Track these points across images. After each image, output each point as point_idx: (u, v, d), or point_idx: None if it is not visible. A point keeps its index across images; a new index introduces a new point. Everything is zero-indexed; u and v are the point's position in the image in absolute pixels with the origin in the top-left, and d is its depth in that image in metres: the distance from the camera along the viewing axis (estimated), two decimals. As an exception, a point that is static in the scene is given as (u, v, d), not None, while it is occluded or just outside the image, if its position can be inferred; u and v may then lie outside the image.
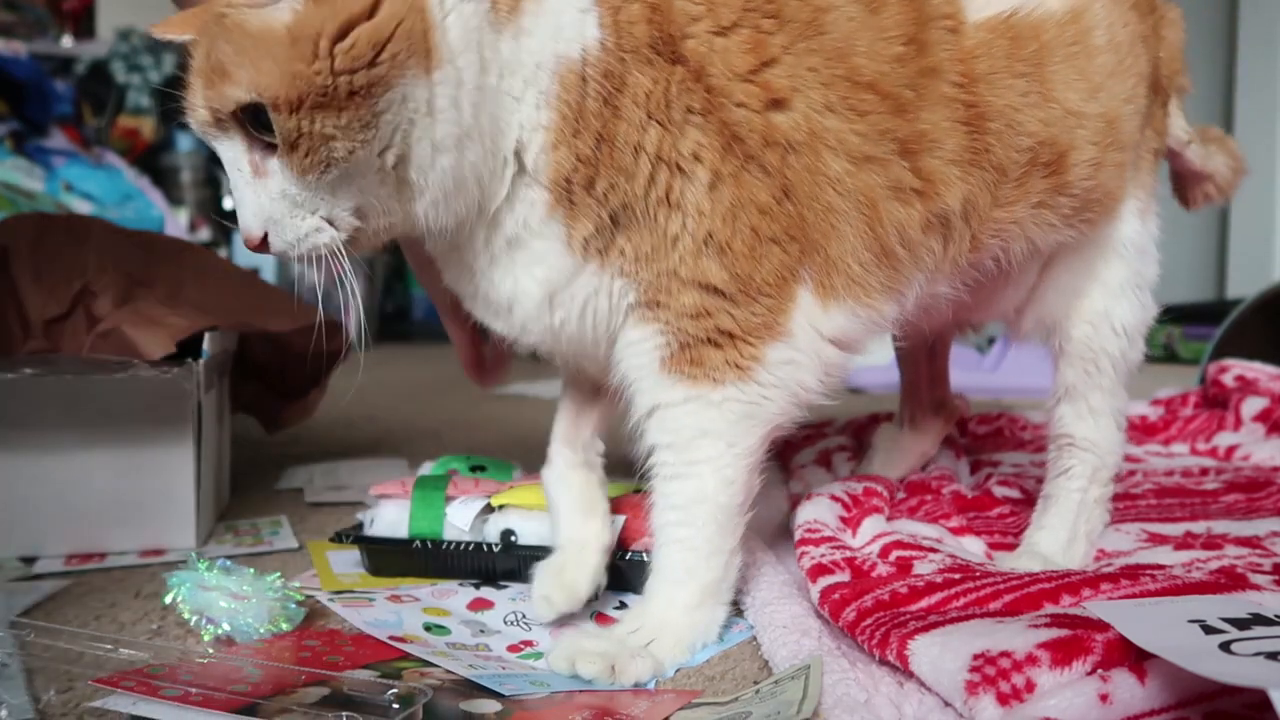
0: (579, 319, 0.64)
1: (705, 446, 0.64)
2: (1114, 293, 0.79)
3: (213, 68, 0.55)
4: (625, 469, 0.79)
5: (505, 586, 0.76)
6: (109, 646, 0.60)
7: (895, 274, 0.66)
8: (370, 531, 0.80)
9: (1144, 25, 0.77)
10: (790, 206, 0.62)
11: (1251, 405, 1.31)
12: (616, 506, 0.76)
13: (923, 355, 1.01)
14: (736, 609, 0.69)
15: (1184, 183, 0.91)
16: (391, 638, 0.64)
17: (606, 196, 0.61)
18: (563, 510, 0.70)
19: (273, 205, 0.57)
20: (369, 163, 0.56)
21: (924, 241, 0.67)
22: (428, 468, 0.87)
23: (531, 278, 0.63)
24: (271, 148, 0.56)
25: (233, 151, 0.57)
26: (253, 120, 0.55)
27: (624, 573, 0.73)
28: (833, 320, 0.65)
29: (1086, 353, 0.79)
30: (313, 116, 0.53)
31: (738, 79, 0.60)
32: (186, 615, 0.64)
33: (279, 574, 0.67)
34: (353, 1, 0.53)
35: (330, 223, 0.58)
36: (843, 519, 0.80)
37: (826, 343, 0.65)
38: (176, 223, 3.06)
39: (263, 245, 0.58)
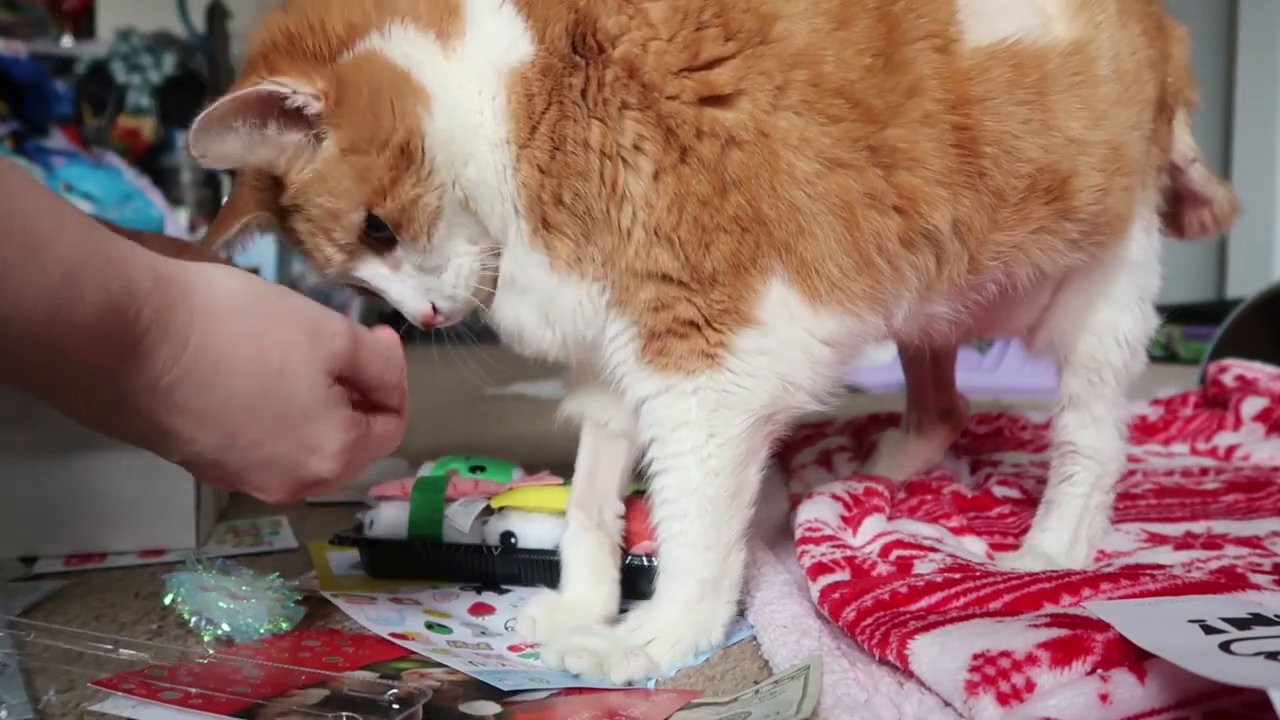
0: (572, 326, 0.66)
1: (685, 437, 0.65)
2: (1119, 306, 0.80)
3: (323, 220, 0.63)
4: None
5: (507, 591, 0.76)
6: (109, 647, 0.60)
7: (877, 285, 0.67)
8: (370, 533, 0.80)
9: (1153, 50, 0.77)
10: (737, 197, 0.63)
11: (1251, 405, 1.31)
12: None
13: (927, 363, 1.01)
14: (739, 609, 0.69)
15: (1183, 205, 0.90)
16: (393, 634, 0.64)
17: (574, 206, 0.63)
18: (572, 570, 0.71)
19: (419, 279, 0.66)
20: (452, 201, 0.64)
21: (907, 257, 0.67)
22: (428, 468, 0.87)
23: (527, 306, 0.67)
24: (389, 241, 0.64)
25: (370, 269, 0.66)
26: (369, 229, 0.63)
27: (624, 577, 0.72)
28: (823, 324, 0.65)
29: (1091, 363, 0.80)
30: (396, 190, 0.62)
31: (670, 75, 0.62)
32: (186, 616, 0.64)
33: (278, 573, 0.67)
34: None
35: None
36: (843, 518, 0.80)
37: (818, 342, 0.66)
38: (176, 223, 3.05)
39: (435, 315, 0.67)
